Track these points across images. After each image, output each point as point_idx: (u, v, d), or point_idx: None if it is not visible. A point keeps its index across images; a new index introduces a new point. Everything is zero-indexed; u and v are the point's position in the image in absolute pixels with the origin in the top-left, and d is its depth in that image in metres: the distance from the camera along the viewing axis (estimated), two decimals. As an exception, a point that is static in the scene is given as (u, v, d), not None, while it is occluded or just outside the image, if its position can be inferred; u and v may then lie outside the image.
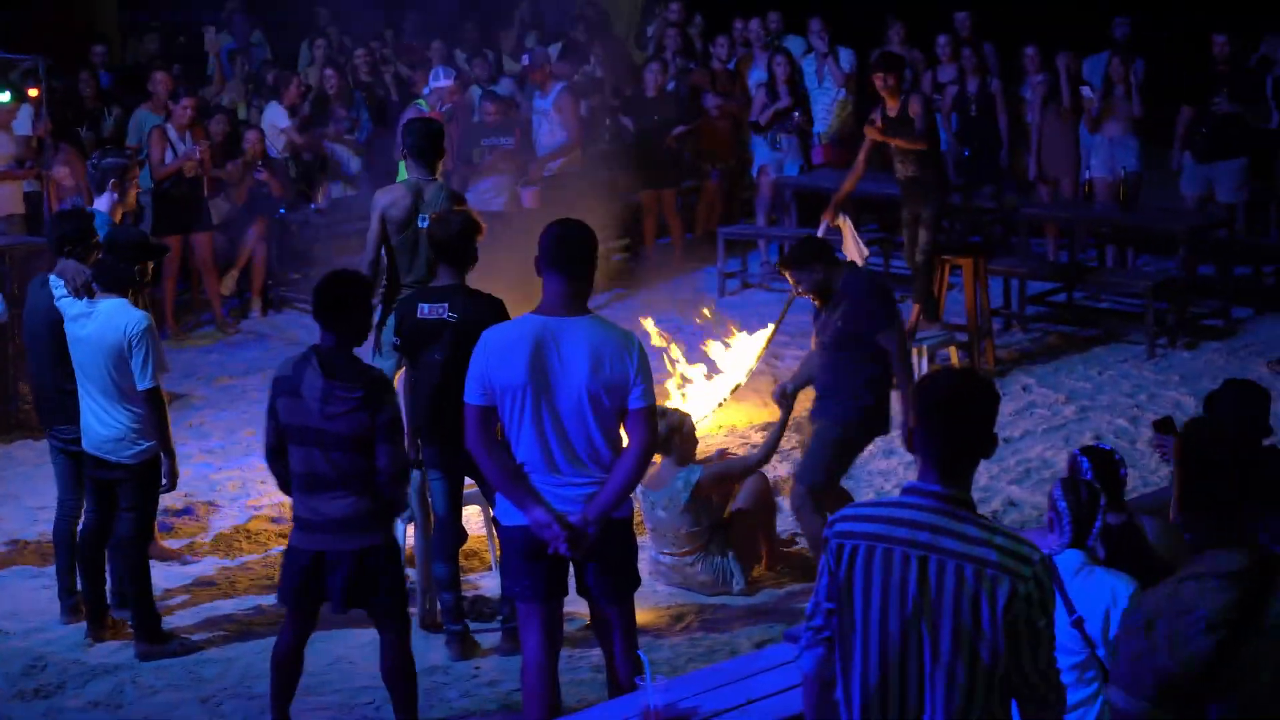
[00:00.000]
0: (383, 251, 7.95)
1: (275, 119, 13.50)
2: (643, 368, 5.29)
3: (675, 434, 7.50)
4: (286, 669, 6.00)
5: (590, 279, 5.40)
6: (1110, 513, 5.45)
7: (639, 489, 7.24)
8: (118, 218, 7.76)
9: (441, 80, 12.41)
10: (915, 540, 3.64)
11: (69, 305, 6.94)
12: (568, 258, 5.33)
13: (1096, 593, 4.90)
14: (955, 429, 3.69)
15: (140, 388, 6.76)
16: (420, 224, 7.89)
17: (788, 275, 7.43)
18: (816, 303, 7.37)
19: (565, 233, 5.38)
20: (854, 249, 10.12)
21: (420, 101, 12.54)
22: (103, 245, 7.02)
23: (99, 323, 6.79)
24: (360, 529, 5.76)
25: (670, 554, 7.56)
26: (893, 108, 10.56)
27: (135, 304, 6.90)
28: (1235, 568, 3.47)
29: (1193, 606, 3.46)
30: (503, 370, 5.27)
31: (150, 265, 7.00)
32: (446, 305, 6.63)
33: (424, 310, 6.68)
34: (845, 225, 10.36)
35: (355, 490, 5.71)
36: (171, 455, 6.93)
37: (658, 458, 7.28)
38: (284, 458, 5.81)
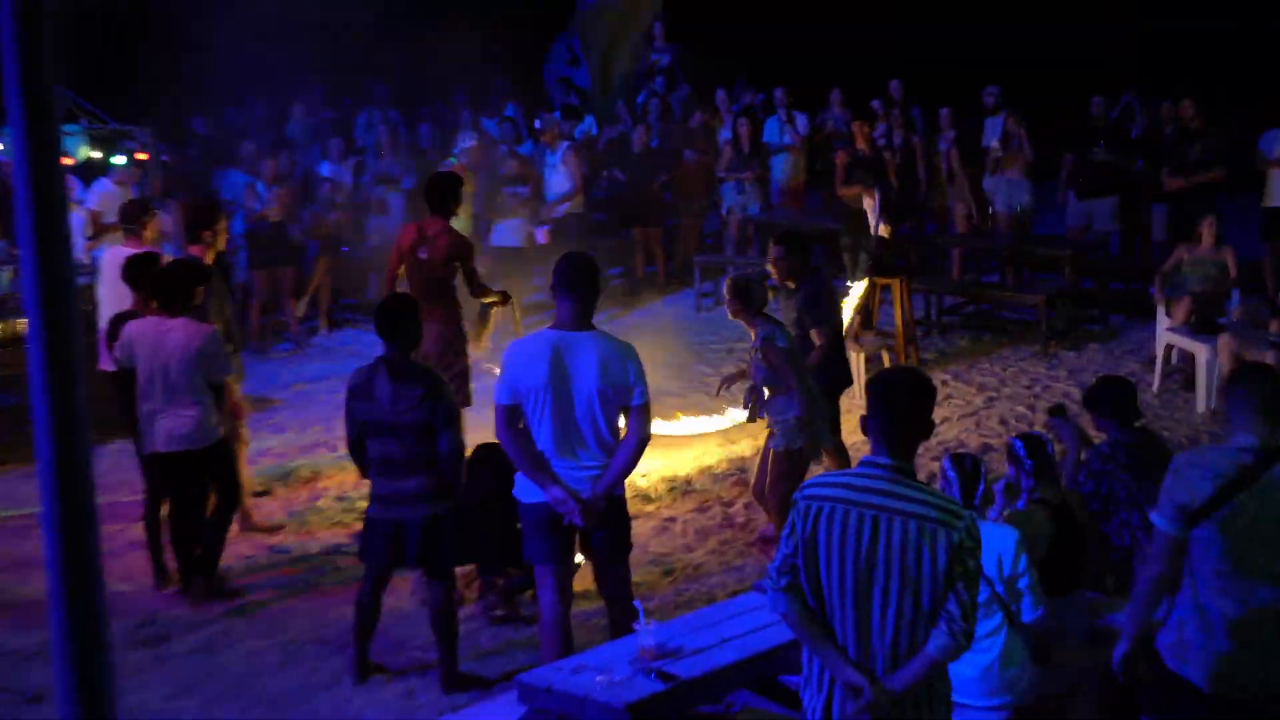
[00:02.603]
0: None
1: (326, 173, 13.42)
2: (639, 373, 5.28)
3: (750, 290, 6.97)
4: (367, 614, 6.00)
5: (594, 300, 5.37)
6: (1040, 490, 5.39)
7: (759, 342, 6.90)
8: (209, 259, 7.69)
9: (468, 140, 12.42)
10: (869, 502, 3.63)
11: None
12: (576, 283, 5.30)
13: (988, 542, 4.84)
14: (899, 414, 3.69)
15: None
16: (419, 255, 7.87)
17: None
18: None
19: (574, 263, 5.36)
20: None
21: (452, 158, 12.50)
22: (164, 274, 7.00)
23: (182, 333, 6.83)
24: (428, 500, 5.78)
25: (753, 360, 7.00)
26: (862, 149, 10.74)
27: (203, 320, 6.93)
28: (1248, 445, 3.96)
29: (1210, 463, 3.97)
30: (526, 375, 5.25)
31: (201, 289, 6.97)
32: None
33: None
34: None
35: (423, 470, 5.74)
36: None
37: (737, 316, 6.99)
38: (363, 448, 5.82)
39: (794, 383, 6.82)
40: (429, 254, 7.96)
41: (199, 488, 6.93)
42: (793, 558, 3.72)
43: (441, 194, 8.04)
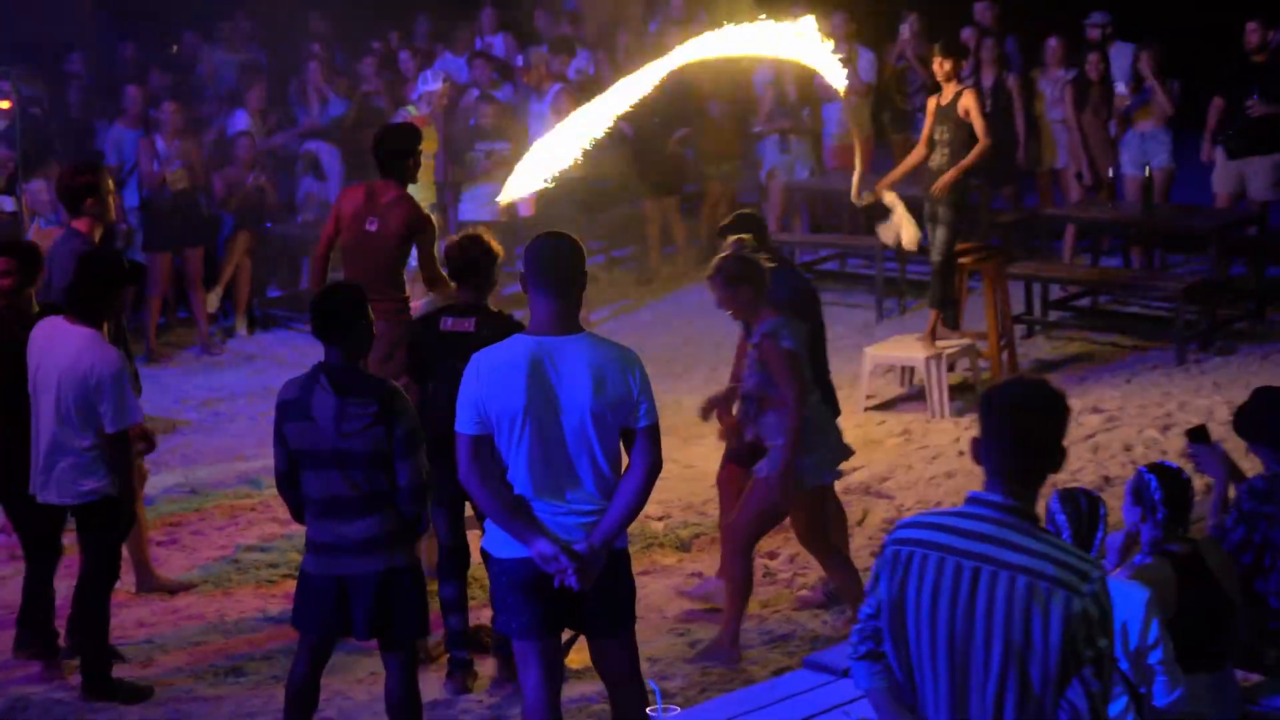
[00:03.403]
0: None
1: (239, 126, 13.48)
2: (645, 385, 5.27)
3: (752, 269, 6.87)
4: (302, 701, 5.97)
5: (580, 295, 5.36)
6: (1173, 541, 5.42)
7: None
8: (96, 238, 7.74)
9: (430, 84, 12.46)
10: (970, 550, 3.65)
11: None
12: (556, 275, 5.27)
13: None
14: (1021, 440, 3.70)
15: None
16: (367, 227, 7.96)
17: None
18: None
19: (551, 248, 5.32)
20: (907, 228, 10.27)
21: (409, 106, 12.58)
22: (75, 270, 6.95)
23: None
24: (383, 550, 5.79)
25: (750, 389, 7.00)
26: (946, 94, 10.62)
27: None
28: None
29: None
30: (499, 395, 5.21)
31: (122, 292, 7.00)
32: (474, 319, 6.71)
33: (447, 323, 6.77)
34: (896, 203, 10.46)
35: (377, 510, 5.75)
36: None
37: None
38: (296, 484, 5.83)
39: (791, 396, 6.83)
40: (380, 226, 8.01)
41: (77, 551, 6.97)
42: (875, 619, 3.77)
43: (394, 152, 8.10)
